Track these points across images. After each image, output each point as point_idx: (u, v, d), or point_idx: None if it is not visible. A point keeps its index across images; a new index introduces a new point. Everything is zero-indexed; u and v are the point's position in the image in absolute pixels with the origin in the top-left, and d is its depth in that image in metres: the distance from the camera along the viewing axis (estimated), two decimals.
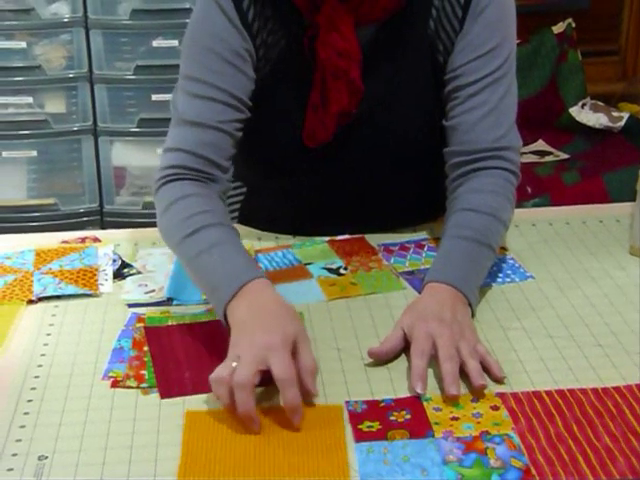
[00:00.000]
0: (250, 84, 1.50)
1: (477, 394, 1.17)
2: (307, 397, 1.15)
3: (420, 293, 1.36)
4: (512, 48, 1.52)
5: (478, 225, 1.42)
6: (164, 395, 1.19)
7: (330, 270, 1.51)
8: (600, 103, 3.32)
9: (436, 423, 1.11)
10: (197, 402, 1.17)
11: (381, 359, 1.25)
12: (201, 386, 1.19)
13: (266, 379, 1.13)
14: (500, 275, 1.48)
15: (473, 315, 1.33)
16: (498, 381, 1.20)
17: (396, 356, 1.26)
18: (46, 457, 1.08)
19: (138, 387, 1.21)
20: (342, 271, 1.50)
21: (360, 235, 1.61)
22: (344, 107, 1.49)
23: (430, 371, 1.22)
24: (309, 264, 1.52)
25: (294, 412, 1.11)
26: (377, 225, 1.64)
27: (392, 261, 1.54)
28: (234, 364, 1.14)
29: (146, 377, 1.22)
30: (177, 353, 1.27)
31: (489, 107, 1.49)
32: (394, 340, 1.26)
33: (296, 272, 1.50)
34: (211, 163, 1.46)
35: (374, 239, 1.61)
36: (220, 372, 1.14)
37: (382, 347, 1.26)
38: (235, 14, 1.46)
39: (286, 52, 1.51)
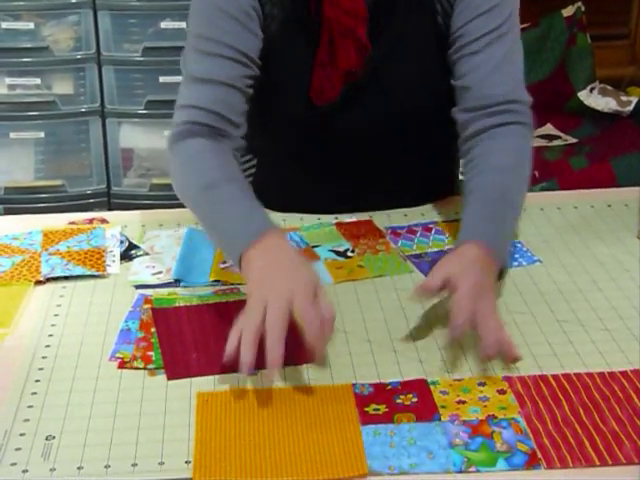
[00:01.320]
0: (258, 42, 1.52)
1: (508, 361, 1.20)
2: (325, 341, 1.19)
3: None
4: (513, 8, 1.54)
5: (503, 185, 1.43)
6: (171, 376, 1.19)
7: (337, 253, 1.51)
8: (609, 87, 3.31)
9: (443, 406, 1.11)
10: (204, 383, 1.18)
11: (428, 295, 1.29)
12: (208, 367, 1.20)
13: (262, 362, 1.14)
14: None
15: (503, 275, 1.38)
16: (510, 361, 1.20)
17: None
18: (53, 437, 1.08)
19: (145, 368, 1.21)
20: (349, 254, 1.50)
21: (367, 218, 1.61)
22: (352, 65, 1.51)
23: (437, 355, 1.22)
24: (316, 247, 1.52)
25: (316, 348, 1.16)
26: (383, 197, 1.65)
27: (399, 244, 1.54)
28: (262, 307, 1.17)
29: (153, 358, 1.23)
30: (184, 334, 1.28)
31: (495, 63, 1.50)
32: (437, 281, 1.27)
33: (303, 255, 1.50)
34: (223, 119, 1.48)
35: (380, 219, 1.61)
36: (251, 317, 1.17)
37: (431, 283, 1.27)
38: None
39: (293, 11, 1.52)
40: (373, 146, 1.61)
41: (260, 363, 1.19)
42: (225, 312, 1.32)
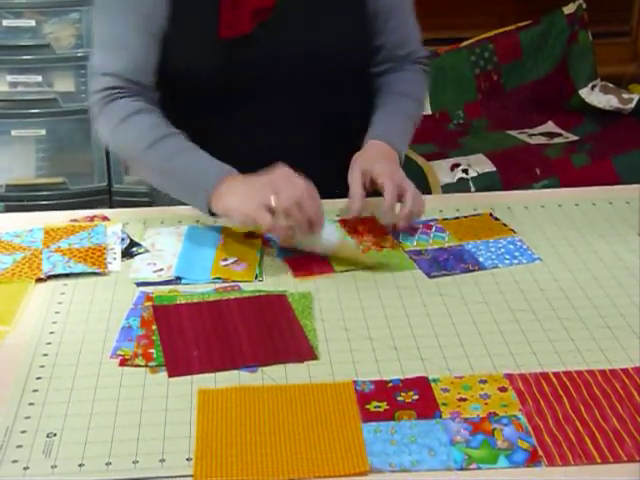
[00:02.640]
0: (162, 5, 1.56)
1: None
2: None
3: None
4: None
5: (409, 107, 1.73)
6: (172, 374, 1.19)
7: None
8: (610, 85, 3.30)
9: (444, 404, 1.11)
10: (205, 381, 1.18)
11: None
12: (209, 365, 1.20)
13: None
14: (508, 257, 1.48)
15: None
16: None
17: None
18: (55, 434, 1.08)
19: (146, 366, 1.21)
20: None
21: (371, 215, 1.61)
22: (261, 3, 1.54)
23: (438, 353, 1.22)
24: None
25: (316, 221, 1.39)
26: (312, 136, 1.69)
27: (400, 238, 1.54)
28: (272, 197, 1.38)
29: (154, 356, 1.23)
30: (185, 332, 1.28)
31: (407, 21, 1.75)
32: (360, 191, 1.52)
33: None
34: (137, 83, 1.57)
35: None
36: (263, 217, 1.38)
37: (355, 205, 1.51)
38: None
39: None
40: (283, 86, 1.63)
41: (260, 359, 1.19)
42: (226, 309, 1.32)
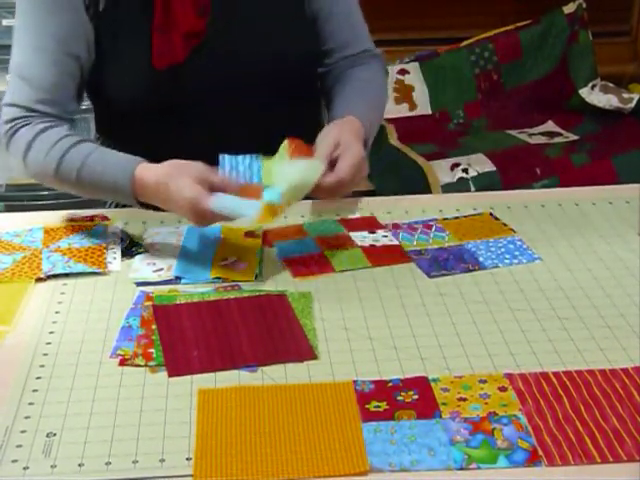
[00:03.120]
0: (85, 26, 1.52)
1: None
2: None
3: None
4: None
5: (373, 94, 1.69)
6: (172, 373, 1.19)
7: None
8: (610, 84, 3.30)
9: (443, 404, 1.11)
10: (205, 380, 1.18)
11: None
12: (209, 364, 1.20)
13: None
14: (508, 257, 1.48)
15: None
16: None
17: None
18: (54, 434, 1.08)
19: (146, 365, 1.21)
20: None
21: (370, 215, 1.61)
22: (191, 26, 1.50)
23: (438, 352, 1.22)
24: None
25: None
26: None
27: (400, 237, 1.54)
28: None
29: (154, 355, 1.23)
30: (185, 332, 1.28)
31: (351, 20, 1.71)
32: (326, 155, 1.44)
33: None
34: (49, 114, 1.53)
35: (382, 217, 1.60)
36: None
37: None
38: None
39: None
40: (227, 106, 1.61)
41: (260, 359, 1.19)
42: (226, 309, 1.32)
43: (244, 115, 1.62)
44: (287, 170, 1.39)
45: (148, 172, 1.43)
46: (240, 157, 1.45)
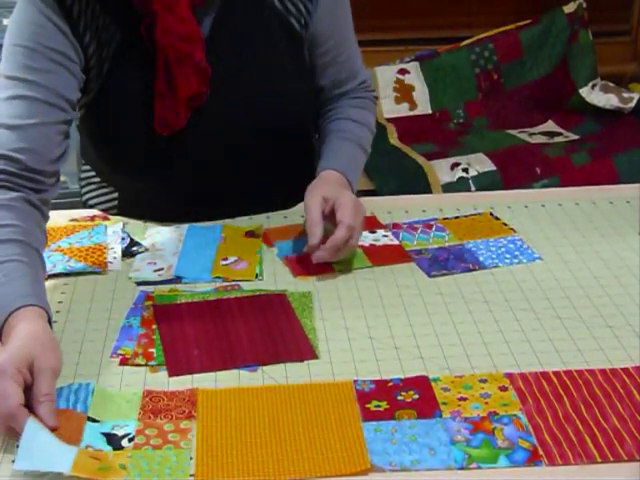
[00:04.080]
0: (75, 83, 1.46)
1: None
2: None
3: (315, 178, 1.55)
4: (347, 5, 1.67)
5: (358, 133, 1.68)
6: (172, 373, 1.19)
7: None
8: (610, 84, 3.30)
9: (444, 403, 1.11)
10: (206, 380, 1.18)
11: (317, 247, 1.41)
12: (209, 364, 1.20)
13: None
14: (508, 256, 1.48)
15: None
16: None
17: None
18: None
19: (146, 365, 1.21)
20: None
21: (370, 214, 1.61)
22: (193, 91, 1.48)
23: (438, 352, 1.22)
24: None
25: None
26: (258, 204, 1.65)
27: (400, 237, 1.54)
28: None
29: (154, 355, 1.23)
30: (186, 331, 1.28)
31: (346, 59, 1.68)
32: (319, 218, 1.43)
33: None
34: (29, 169, 1.38)
35: (382, 217, 1.61)
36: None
37: (317, 232, 1.42)
38: (57, 12, 1.43)
39: (124, 45, 1.49)
40: (233, 158, 1.60)
41: (260, 359, 1.19)
42: (226, 309, 1.32)
43: (243, 171, 1.62)
44: None
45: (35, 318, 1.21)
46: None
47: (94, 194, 1.74)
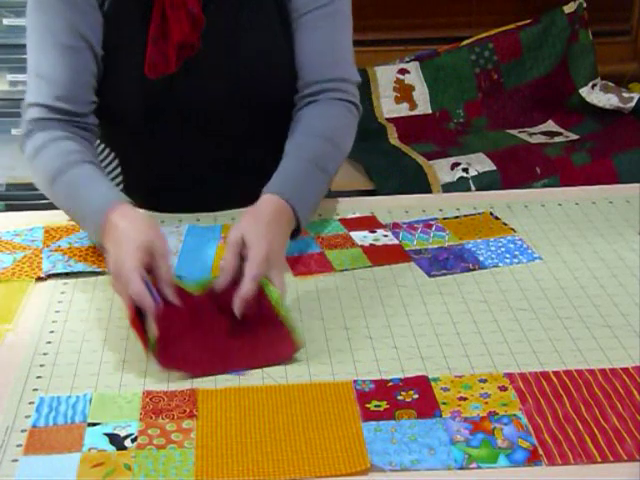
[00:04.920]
0: (98, 21, 1.53)
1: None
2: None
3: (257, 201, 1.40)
4: None
5: (317, 150, 1.50)
6: (163, 364, 1.19)
7: None
8: (611, 84, 3.30)
9: (444, 403, 1.11)
10: (205, 380, 1.18)
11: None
12: (200, 369, 1.19)
13: None
14: (508, 256, 1.48)
15: (299, 228, 1.41)
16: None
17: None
18: None
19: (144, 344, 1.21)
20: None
21: (370, 214, 1.61)
22: (185, 38, 1.51)
23: (438, 352, 1.22)
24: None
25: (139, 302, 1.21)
26: (251, 173, 1.63)
27: (400, 237, 1.54)
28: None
29: (150, 342, 1.21)
30: (182, 327, 1.25)
31: (327, 39, 1.57)
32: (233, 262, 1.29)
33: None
34: (67, 112, 1.51)
35: (382, 217, 1.60)
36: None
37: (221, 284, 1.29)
38: None
39: None
40: (218, 121, 1.61)
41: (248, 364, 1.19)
42: (218, 305, 1.29)
43: (228, 130, 1.63)
44: None
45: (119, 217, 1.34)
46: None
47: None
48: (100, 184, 1.43)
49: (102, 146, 1.76)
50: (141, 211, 1.38)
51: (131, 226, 1.31)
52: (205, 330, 1.26)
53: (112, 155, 1.75)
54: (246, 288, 1.24)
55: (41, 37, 1.51)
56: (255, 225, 1.32)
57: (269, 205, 1.38)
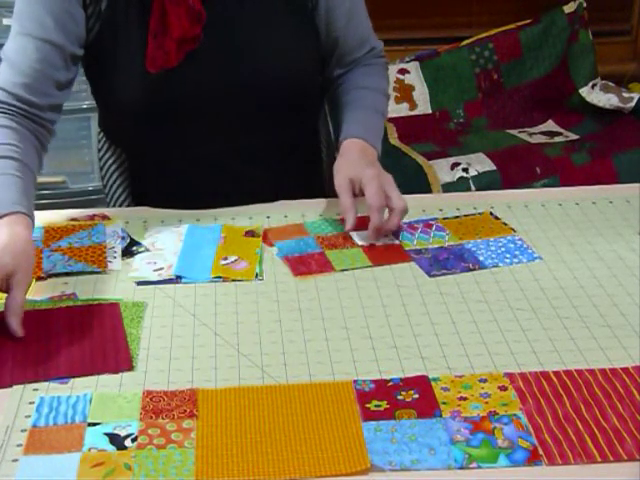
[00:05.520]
0: (80, 20, 1.53)
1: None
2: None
3: (339, 148, 1.62)
4: None
5: (373, 99, 1.72)
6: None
7: None
8: (610, 84, 3.30)
9: (444, 403, 1.11)
10: (205, 381, 1.18)
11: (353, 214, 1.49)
12: (21, 376, 1.18)
13: None
14: (508, 256, 1.48)
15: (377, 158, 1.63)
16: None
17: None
18: None
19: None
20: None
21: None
22: (185, 32, 1.51)
23: (438, 352, 1.22)
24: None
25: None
26: (242, 167, 1.67)
27: (400, 237, 1.54)
28: None
29: None
30: (3, 341, 1.24)
31: (361, 24, 1.73)
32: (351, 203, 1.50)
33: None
34: (27, 102, 1.51)
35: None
36: None
37: (351, 218, 1.49)
38: None
39: None
40: (220, 113, 1.61)
41: (74, 370, 1.19)
42: (55, 319, 1.30)
43: (231, 122, 1.63)
44: None
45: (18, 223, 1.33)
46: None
47: (112, 169, 1.80)
48: (6, 187, 1.37)
49: (108, 142, 1.76)
50: (25, 232, 1.32)
51: (2, 243, 1.27)
52: (32, 345, 1.23)
53: (118, 150, 1.76)
54: (374, 220, 1.47)
55: (19, 24, 1.53)
56: (354, 166, 1.54)
57: (354, 147, 1.59)
